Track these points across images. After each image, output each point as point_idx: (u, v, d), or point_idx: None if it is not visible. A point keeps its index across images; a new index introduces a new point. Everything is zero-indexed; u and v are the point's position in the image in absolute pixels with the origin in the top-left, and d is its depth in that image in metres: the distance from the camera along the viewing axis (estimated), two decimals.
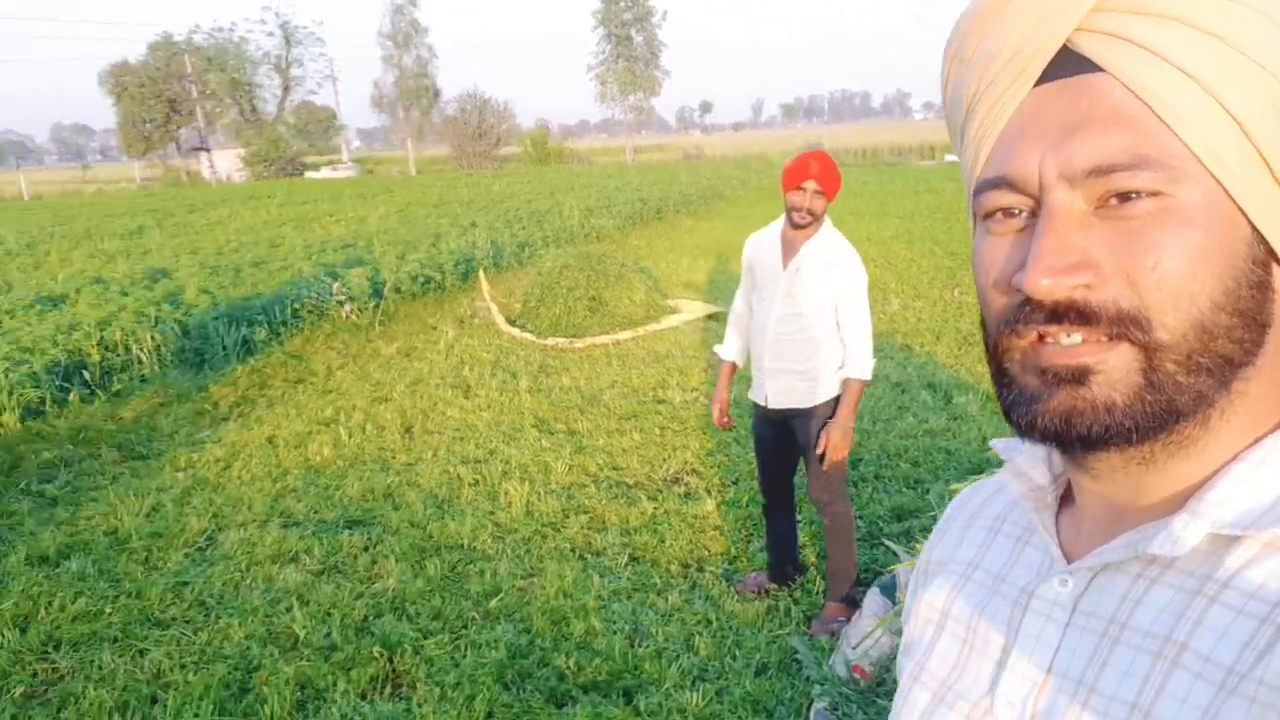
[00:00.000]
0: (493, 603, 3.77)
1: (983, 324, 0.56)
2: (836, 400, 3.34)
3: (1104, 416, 0.50)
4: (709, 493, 4.81)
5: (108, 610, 3.88)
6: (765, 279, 3.39)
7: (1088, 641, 0.54)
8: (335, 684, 3.26)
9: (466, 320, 9.60)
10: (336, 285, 9.18)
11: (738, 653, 3.36)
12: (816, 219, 3.27)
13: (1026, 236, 0.52)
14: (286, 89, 53.93)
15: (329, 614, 3.76)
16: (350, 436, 6.03)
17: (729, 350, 3.72)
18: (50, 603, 3.95)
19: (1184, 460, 0.52)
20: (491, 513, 4.71)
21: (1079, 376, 0.50)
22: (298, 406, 6.79)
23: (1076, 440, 0.51)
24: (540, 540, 4.36)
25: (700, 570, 4.02)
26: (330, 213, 20.34)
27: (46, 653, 3.60)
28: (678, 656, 3.34)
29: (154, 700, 3.24)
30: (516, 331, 8.77)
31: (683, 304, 9.42)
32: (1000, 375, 0.55)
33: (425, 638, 3.54)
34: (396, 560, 4.21)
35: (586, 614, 3.64)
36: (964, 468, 4.89)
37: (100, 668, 3.46)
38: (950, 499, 0.69)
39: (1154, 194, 0.48)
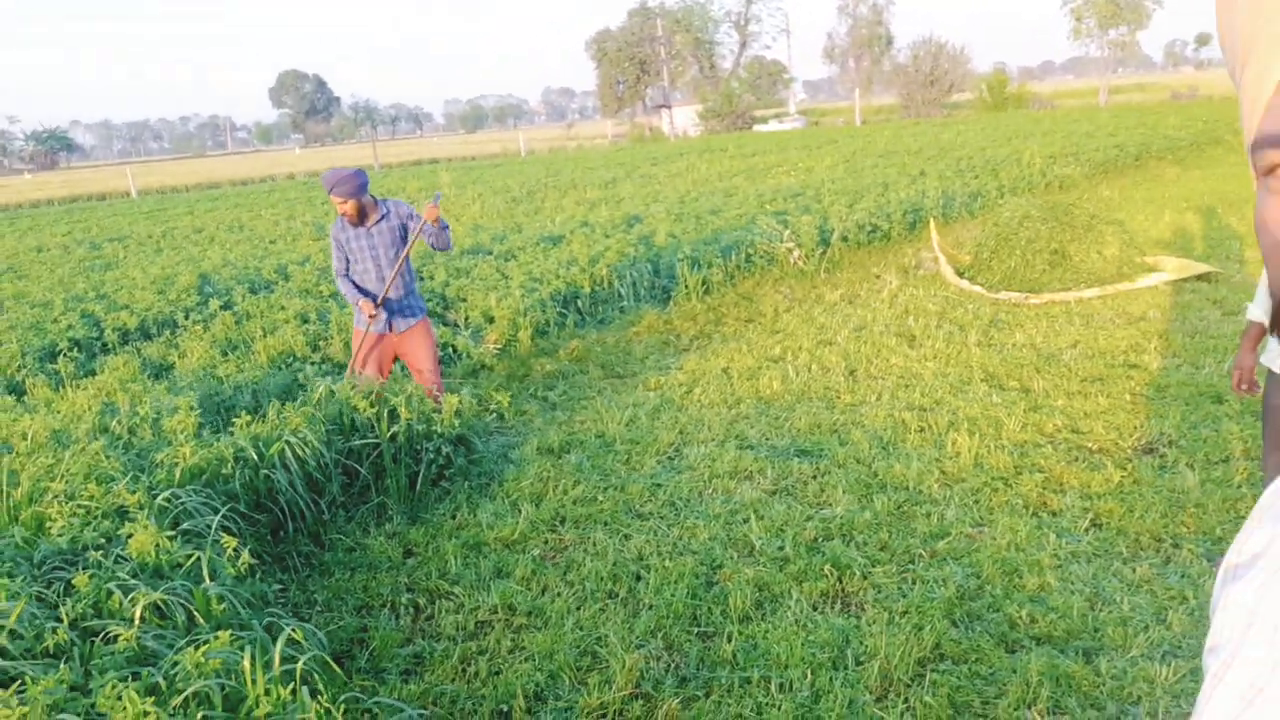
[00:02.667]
0: (940, 544, 3.80)
1: (1271, 285, 0.52)
2: None
3: None
4: (1191, 467, 4.32)
5: (600, 498, 4.58)
6: None
7: None
8: (789, 592, 3.54)
9: (911, 270, 9.47)
10: (787, 232, 9.58)
11: None
12: None
13: None
14: (743, 45, 56.56)
15: (782, 529, 4.07)
16: (797, 374, 6.34)
17: (1258, 310, 3.28)
18: (556, 486, 4.75)
19: None
20: (938, 459, 4.70)
21: None
22: (748, 343, 7.27)
23: None
24: (990, 492, 4.27)
25: (1176, 546, 3.66)
26: (778, 164, 21.09)
27: (554, 526, 4.36)
28: (1146, 627, 3.11)
29: (638, 577, 3.78)
30: (965, 283, 8.47)
31: (1164, 261, 8.37)
32: None
33: (873, 565, 3.69)
34: (844, 491, 4.40)
35: (1041, 569, 3.52)
36: None
37: (595, 544, 4.11)
38: None
39: None
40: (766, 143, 31.65)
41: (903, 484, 4.45)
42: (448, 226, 5.12)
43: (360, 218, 5.02)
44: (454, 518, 4.49)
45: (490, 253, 10.34)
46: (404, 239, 5.15)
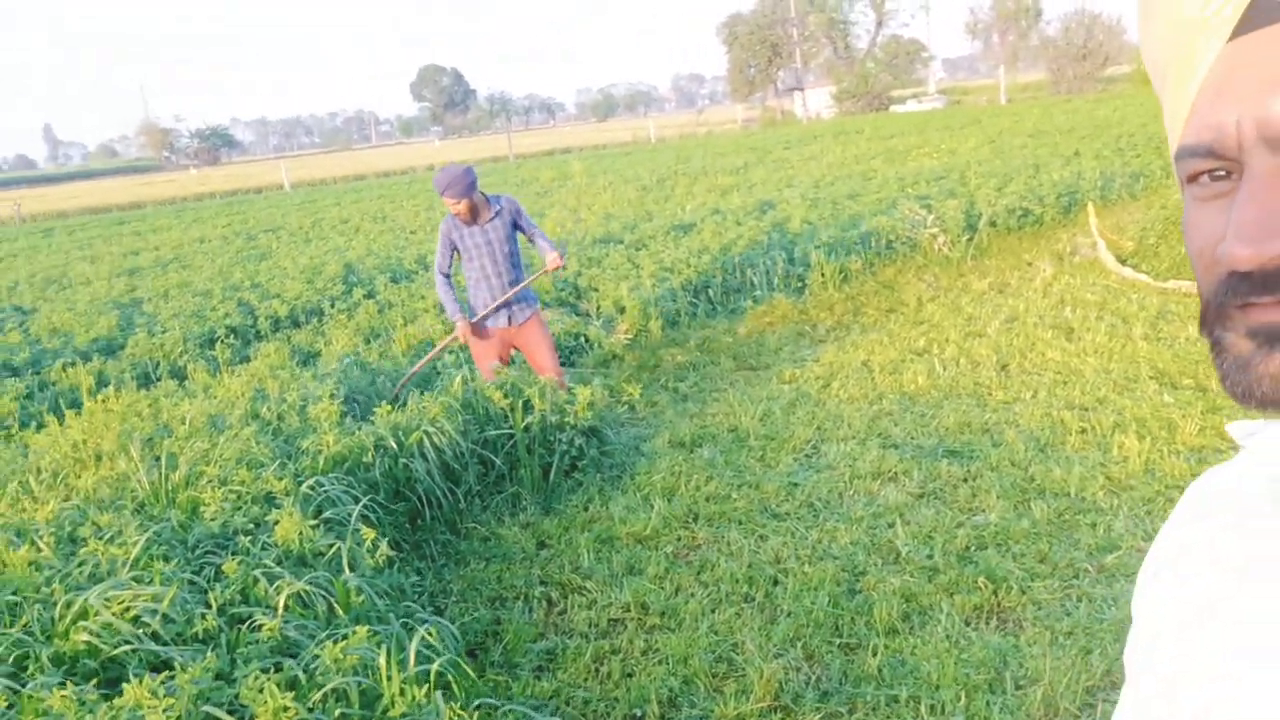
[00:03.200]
0: (1109, 558, 3.48)
1: (1199, 287, 0.52)
2: None
3: None
4: None
5: (733, 495, 4.44)
6: None
7: None
8: (939, 604, 3.31)
9: (1066, 257, 8.86)
10: (930, 217, 9.14)
11: None
12: None
13: (1230, 203, 0.48)
14: (879, 24, 54.79)
15: (930, 536, 3.83)
16: (944, 368, 6.01)
17: None
18: (688, 481, 4.64)
19: None
20: (1103, 464, 4.33)
21: None
22: (890, 335, 6.95)
23: None
24: (1164, 502, 3.89)
25: None
26: (918, 145, 20.29)
27: (687, 523, 4.25)
28: None
29: (775, 581, 3.63)
30: (1128, 272, 7.85)
31: None
32: (1215, 345, 0.51)
33: (1032, 579, 3.41)
34: (997, 496, 4.10)
35: None
36: None
37: (729, 544, 3.98)
38: None
39: None
40: (905, 124, 30.58)
41: (1063, 490, 4.12)
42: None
43: (473, 216, 5.02)
44: (586, 510, 4.45)
45: (621, 242, 10.31)
46: (514, 236, 5.17)
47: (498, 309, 5.13)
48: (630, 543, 4.08)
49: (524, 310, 5.22)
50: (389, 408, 4.42)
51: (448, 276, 5.18)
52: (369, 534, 3.02)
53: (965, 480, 4.34)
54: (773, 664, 3.06)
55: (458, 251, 5.12)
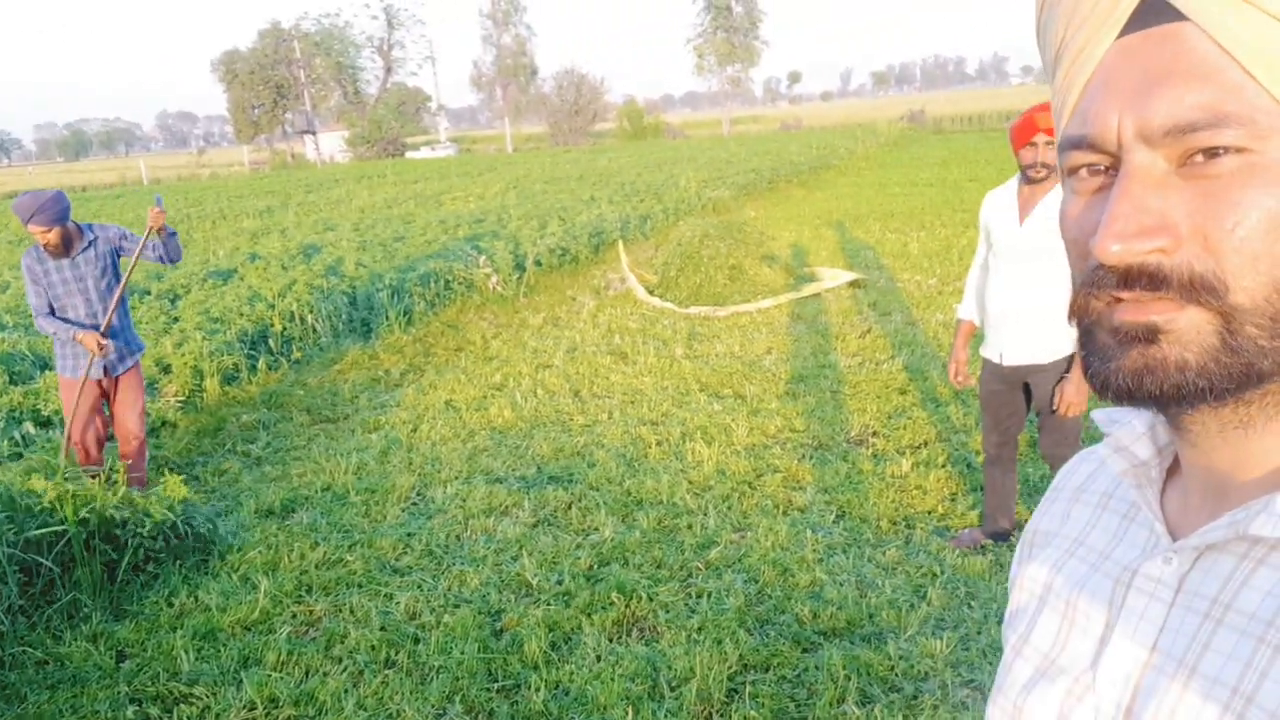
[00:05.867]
0: (712, 554, 3.90)
1: (1072, 278, 0.55)
2: (1072, 357, 3.33)
3: (1175, 375, 0.48)
4: (900, 454, 4.84)
5: (347, 558, 4.14)
6: (1001, 237, 3.39)
7: (1191, 622, 0.52)
8: (581, 626, 3.43)
9: (602, 291, 9.76)
10: (482, 259, 9.45)
11: (973, 603, 3.41)
12: (1052, 171, 3.26)
13: (1106, 196, 0.50)
14: (389, 71, 55.27)
15: (555, 562, 3.95)
16: (525, 400, 6.24)
17: (967, 310, 3.73)
18: (290, 551, 4.23)
19: None
20: (683, 470, 4.84)
21: (1149, 335, 0.49)
22: (465, 373, 7.04)
23: (1150, 399, 0.50)
24: (739, 497, 4.46)
25: (910, 527, 4.06)
26: (445, 190, 20.84)
27: (300, 597, 3.87)
28: (912, 606, 3.40)
29: (416, 640, 3.46)
30: (656, 301, 8.87)
31: (822, 271, 9.39)
32: (1082, 335, 0.53)
33: (655, 585, 3.69)
34: (606, 513, 4.37)
35: (809, 566, 3.73)
36: None
37: (354, 610, 3.71)
38: None
39: (1239, 150, 0.45)
40: (425, 169, 31.22)
41: (657, 499, 4.52)
42: (175, 233, 4.66)
43: (65, 248, 4.38)
44: (171, 605, 3.83)
45: (149, 292, 9.08)
46: (114, 269, 4.55)
47: (114, 316, 4.46)
48: (238, 632, 3.60)
49: (126, 360, 4.61)
50: None
51: (51, 314, 4.41)
52: None
53: (572, 503, 4.55)
54: None
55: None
